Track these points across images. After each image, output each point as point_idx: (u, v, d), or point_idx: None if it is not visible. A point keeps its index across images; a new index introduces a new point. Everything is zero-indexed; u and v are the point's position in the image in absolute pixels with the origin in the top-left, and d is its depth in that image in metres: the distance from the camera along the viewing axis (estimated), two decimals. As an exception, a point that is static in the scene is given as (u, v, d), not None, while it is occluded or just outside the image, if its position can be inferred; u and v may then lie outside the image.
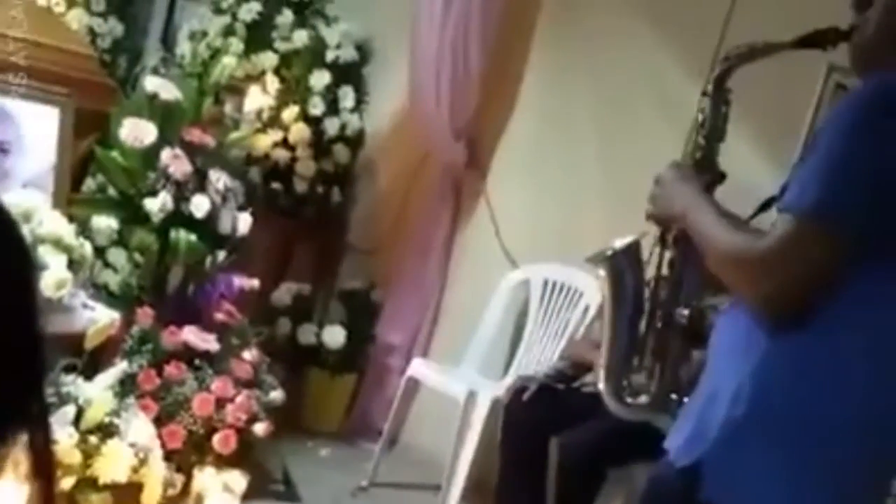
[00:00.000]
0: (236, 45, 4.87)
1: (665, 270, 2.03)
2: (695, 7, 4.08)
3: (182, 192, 3.67)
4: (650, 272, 2.10)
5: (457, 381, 4.26)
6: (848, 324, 1.57)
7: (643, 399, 2.08)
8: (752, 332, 1.64)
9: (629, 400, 2.11)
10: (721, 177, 2.00)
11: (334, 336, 4.78)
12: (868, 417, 1.59)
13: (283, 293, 4.87)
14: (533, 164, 4.74)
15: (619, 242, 2.17)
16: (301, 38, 4.99)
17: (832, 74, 3.70)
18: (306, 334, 4.80)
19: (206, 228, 3.71)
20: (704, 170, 1.99)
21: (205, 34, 4.92)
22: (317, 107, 4.94)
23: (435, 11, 4.71)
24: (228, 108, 4.37)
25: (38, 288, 1.07)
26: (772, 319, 1.61)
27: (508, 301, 4.58)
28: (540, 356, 4.33)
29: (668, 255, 2.02)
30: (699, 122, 2.03)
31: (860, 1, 1.73)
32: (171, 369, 3.50)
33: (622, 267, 2.14)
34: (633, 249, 2.14)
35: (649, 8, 4.31)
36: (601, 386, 2.15)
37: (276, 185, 4.90)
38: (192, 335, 3.61)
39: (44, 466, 1.05)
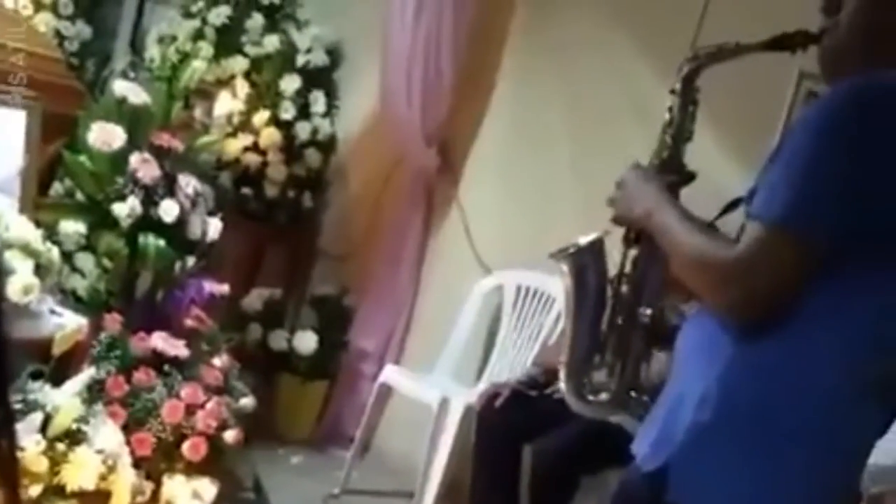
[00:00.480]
0: (206, 49, 4.84)
1: (628, 268, 2.02)
2: (667, 13, 4.09)
3: (151, 197, 3.62)
4: (614, 270, 2.08)
5: (430, 387, 4.24)
6: (815, 329, 1.57)
7: (603, 396, 2.07)
8: (718, 336, 1.64)
9: (590, 397, 2.10)
10: (689, 177, 1.98)
11: (306, 342, 4.75)
12: (834, 421, 1.58)
13: (254, 299, 4.84)
14: (505, 170, 4.74)
15: (584, 239, 2.16)
16: (271, 42, 4.96)
17: (803, 81, 3.72)
18: (277, 340, 4.77)
19: (176, 233, 3.67)
20: (670, 170, 1.97)
21: (174, 38, 4.89)
22: (288, 111, 4.92)
23: (406, 16, 4.70)
24: (198, 112, 4.34)
25: (3, 295, 1.05)
26: (738, 326, 1.61)
27: (481, 307, 4.56)
28: (513, 362, 4.32)
29: (631, 253, 2.01)
30: (666, 122, 2.02)
31: (829, 4, 1.72)
32: (139, 376, 3.45)
33: (585, 263, 2.13)
34: (596, 246, 2.12)
35: (621, 14, 4.31)
36: (562, 384, 2.14)
37: (246, 190, 4.87)
38: (161, 341, 3.56)
39: (9, 474, 1.03)
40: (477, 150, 4.89)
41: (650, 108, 3.83)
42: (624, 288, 2.02)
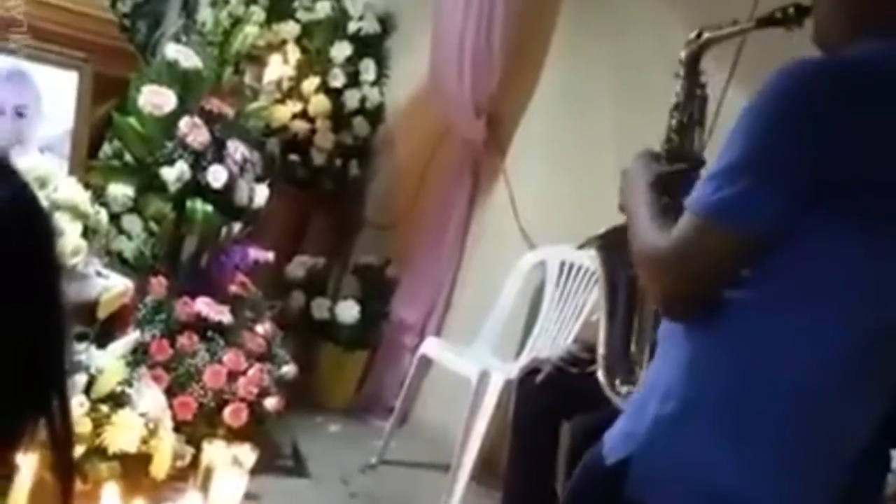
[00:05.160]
0: (258, 13, 4.81)
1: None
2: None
3: (199, 162, 3.65)
4: None
5: (469, 360, 4.23)
6: (776, 315, 1.54)
7: (630, 388, 2.05)
8: (682, 329, 1.63)
9: (622, 389, 2.08)
10: (699, 164, 1.94)
11: (348, 311, 4.75)
12: (806, 409, 1.56)
13: (298, 266, 4.84)
14: (553, 145, 4.69)
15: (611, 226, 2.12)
16: (324, 8, 4.94)
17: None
18: (320, 309, 4.77)
19: (223, 199, 3.69)
20: (678, 157, 1.93)
21: (227, 2, 4.86)
22: (337, 79, 4.90)
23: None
24: (248, 77, 4.32)
25: (59, 259, 1.05)
26: (673, 315, 1.61)
27: (524, 282, 4.53)
28: (555, 338, 4.29)
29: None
30: (672, 107, 1.98)
31: None
32: (183, 340, 3.48)
33: (615, 251, 2.09)
34: (625, 234, 2.09)
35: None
36: (599, 374, 2.12)
37: (293, 157, 4.87)
38: (205, 306, 3.59)
39: (63, 436, 1.03)
40: (525, 124, 4.84)
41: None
42: None
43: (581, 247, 2.16)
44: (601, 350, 2.11)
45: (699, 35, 1.95)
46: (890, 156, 1.51)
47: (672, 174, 1.86)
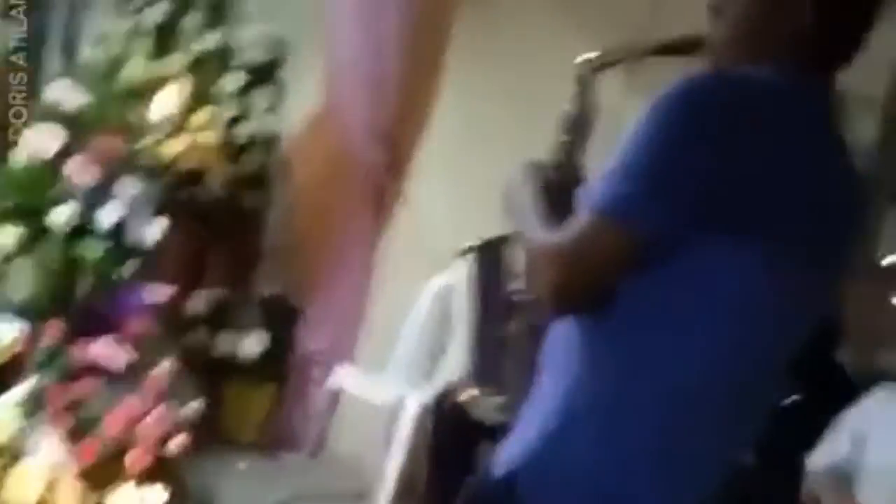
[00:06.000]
0: (144, 48, 4.75)
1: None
2: (617, 2, 4.08)
3: (89, 202, 3.58)
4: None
5: (382, 388, 4.20)
6: (660, 327, 1.56)
7: (501, 401, 2.05)
8: (567, 342, 1.64)
9: (493, 401, 2.08)
10: (582, 180, 1.95)
11: (254, 344, 4.69)
12: (678, 411, 1.57)
13: (199, 301, 4.76)
14: (455, 165, 4.72)
15: (487, 237, 2.12)
16: (211, 40, 4.88)
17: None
18: (224, 343, 4.70)
19: (116, 238, 3.62)
20: (564, 171, 1.95)
21: (110, 38, 4.79)
22: (230, 110, 4.84)
23: (350, 11, 4.65)
24: (137, 113, 4.25)
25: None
26: (561, 308, 1.61)
27: (434, 305, 4.52)
28: (467, 360, 4.29)
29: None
30: (562, 124, 2.01)
31: (717, 5, 1.72)
32: (82, 384, 3.40)
33: (490, 259, 2.10)
34: (497, 247, 2.08)
35: (568, 3, 4.30)
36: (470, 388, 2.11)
37: (188, 191, 4.79)
38: (103, 348, 3.51)
39: None
40: (426, 145, 4.85)
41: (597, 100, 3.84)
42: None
43: (461, 255, 2.16)
44: (470, 361, 2.10)
45: (593, 59, 1.98)
46: (781, 176, 1.53)
47: (558, 186, 1.86)
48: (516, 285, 2.03)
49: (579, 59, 1.99)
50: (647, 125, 1.54)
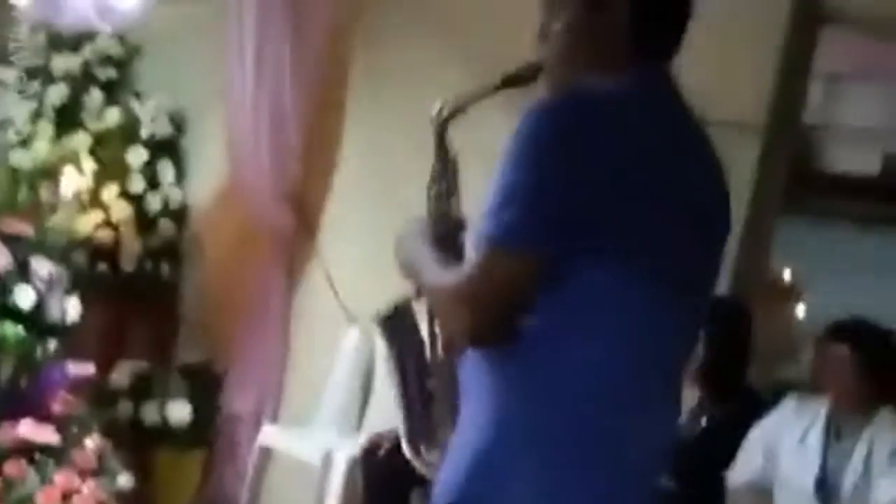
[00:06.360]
0: (47, 129, 4.77)
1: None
2: (498, 44, 4.19)
3: (4, 284, 3.58)
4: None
5: (310, 444, 4.23)
6: (566, 343, 1.61)
7: (436, 454, 2.07)
8: (479, 370, 1.69)
9: (430, 457, 2.10)
10: (462, 226, 2.02)
11: (178, 412, 4.67)
12: (590, 422, 1.62)
13: (122, 374, 4.74)
14: (362, 218, 4.77)
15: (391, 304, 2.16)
16: (113, 116, 4.92)
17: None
18: (150, 413, 4.68)
19: (34, 318, 3.62)
20: (445, 223, 2.00)
21: (12, 122, 4.80)
22: (136, 184, 4.87)
23: (246, 80, 4.73)
24: (45, 193, 4.27)
25: None
26: (478, 343, 1.66)
27: (354, 357, 4.57)
28: (392, 409, 4.33)
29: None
30: (430, 180, 2.06)
31: (544, 32, 1.81)
32: (10, 467, 3.38)
33: (397, 323, 2.13)
34: (403, 308, 2.13)
35: (451, 47, 4.39)
36: (404, 447, 2.14)
37: (102, 266, 4.80)
38: (29, 429, 3.50)
39: None
40: (332, 202, 4.92)
41: (491, 141, 3.94)
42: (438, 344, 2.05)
43: (375, 323, 2.19)
44: (402, 425, 2.13)
45: (442, 109, 2.03)
46: (647, 178, 1.61)
47: (444, 235, 1.93)
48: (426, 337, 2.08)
49: (432, 112, 2.05)
50: (514, 152, 1.61)
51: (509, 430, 1.63)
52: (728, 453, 3.39)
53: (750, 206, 4.17)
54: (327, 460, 4.06)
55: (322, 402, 4.55)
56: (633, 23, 1.71)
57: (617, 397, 1.63)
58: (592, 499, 1.63)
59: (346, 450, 4.06)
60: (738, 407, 3.54)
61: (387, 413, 4.28)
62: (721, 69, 4.08)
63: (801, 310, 7.07)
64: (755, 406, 3.53)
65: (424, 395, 2.09)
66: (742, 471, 3.38)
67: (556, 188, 1.57)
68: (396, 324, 2.12)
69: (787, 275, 6.93)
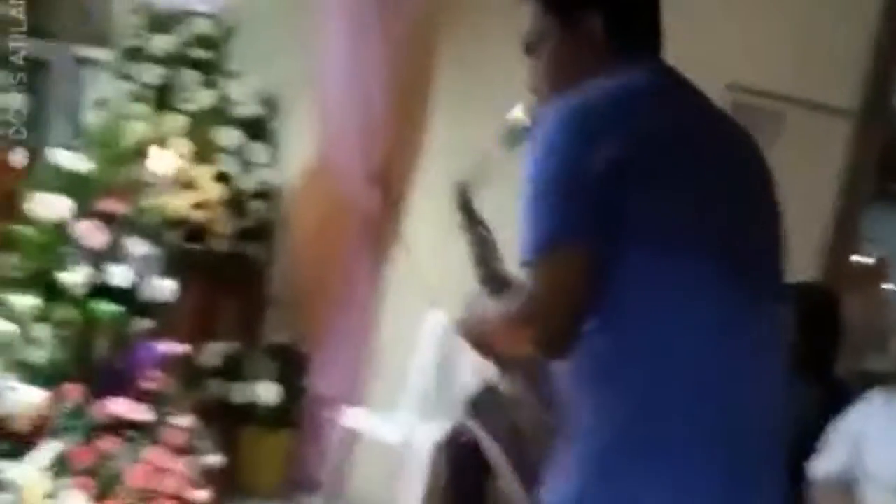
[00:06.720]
0: (143, 109, 4.84)
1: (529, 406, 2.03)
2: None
3: (101, 263, 3.64)
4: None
5: (394, 427, 4.25)
6: (619, 328, 1.61)
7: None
8: (571, 382, 1.69)
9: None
10: (510, 283, 1.98)
11: (267, 392, 4.74)
12: (693, 405, 1.61)
13: (212, 354, 4.82)
14: (447, 203, 4.76)
15: (473, 391, 2.15)
16: (206, 97, 4.98)
17: (732, 94, 3.81)
18: (238, 393, 4.76)
19: (129, 297, 3.69)
20: (496, 284, 2.00)
21: (110, 101, 4.88)
22: (229, 165, 4.93)
23: (338, 61, 4.75)
24: (140, 173, 4.33)
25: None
26: (554, 354, 1.66)
27: (437, 341, 4.59)
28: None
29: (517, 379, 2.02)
30: (469, 250, 2.07)
31: (528, 47, 1.88)
32: (104, 443, 3.45)
33: (486, 410, 2.11)
34: (490, 390, 2.11)
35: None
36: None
37: (195, 247, 4.87)
38: (122, 406, 3.56)
39: None
40: (419, 185, 4.92)
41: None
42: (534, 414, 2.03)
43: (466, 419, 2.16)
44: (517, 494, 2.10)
45: (460, 185, 2.08)
46: (649, 161, 1.62)
47: (500, 294, 1.90)
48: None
49: (454, 183, 2.09)
50: (530, 167, 1.65)
51: (608, 433, 1.62)
52: (812, 445, 3.34)
53: (840, 193, 4.09)
54: (410, 444, 4.08)
55: (407, 385, 4.58)
56: (608, 26, 1.78)
57: (702, 384, 1.61)
58: (705, 489, 1.61)
59: (429, 433, 4.07)
60: (826, 397, 3.48)
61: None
62: (812, 53, 4.01)
63: (891, 298, 6.92)
64: (843, 396, 3.46)
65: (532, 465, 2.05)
66: (826, 463, 3.32)
67: (572, 179, 1.60)
68: (484, 407, 2.10)
69: (876, 261, 6.79)
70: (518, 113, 1.91)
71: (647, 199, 1.60)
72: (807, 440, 3.34)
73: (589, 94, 1.68)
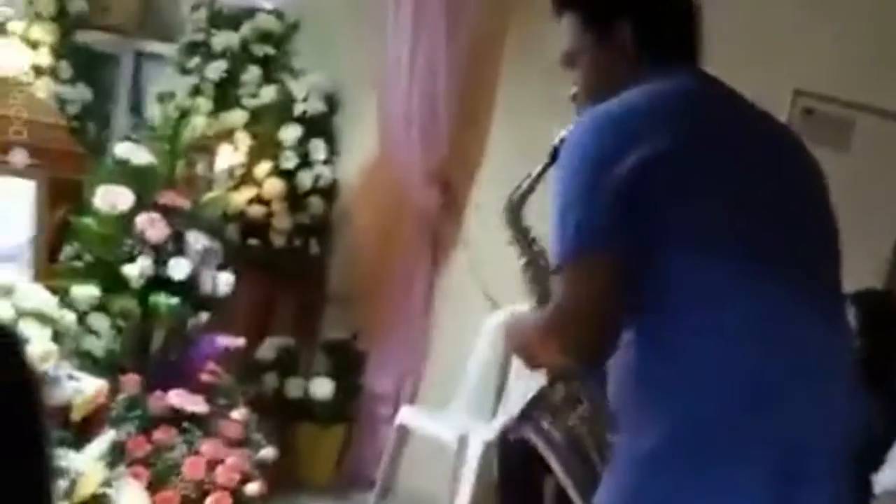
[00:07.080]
0: (205, 104, 4.88)
1: (582, 408, 2.01)
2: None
3: (160, 256, 3.67)
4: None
5: (447, 425, 4.25)
6: (677, 329, 1.61)
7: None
8: (617, 376, 1.71)
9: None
10: None
11: (321, 388, 4.76)
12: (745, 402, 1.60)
13: (268, 348, 4.85)
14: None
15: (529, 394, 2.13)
16: (268, 93, 5.00)
17: (798, 99, 3.75)
18: (293, 388, 4.78)
19: (187, 290, 3.71)
20: (542, 291, 1.98)
21: (172, 95, 4.93)
22: (289, 160, 4.95)
23: (401, 59, 4.75)
24: (201, 168, 4.37)
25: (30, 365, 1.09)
26: (592, 360, 1.69)
27: (493, 342, 4.57)
28: (526, 395, 4.31)
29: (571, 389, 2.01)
30: (523, 264, 2.06)
31: (566, 62, 1.94)
32: (159, 434, 3.47)
33: (542, 422, 2.09)
34: (543, 398, 2.09)
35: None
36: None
37: (253, 242, 4.90)
38: (178, 398, 3.59)
39: None
40: (478, 185, 4.91)
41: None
42: (589, 426, 2.01)
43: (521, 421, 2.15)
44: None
45: (510, 202, 2.08)
46: (680, 160, 1.64)
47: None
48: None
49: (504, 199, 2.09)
50: (557, 178, 1.68)
51: (659, 434, 1.62)
52: (877, 457, 3.28)
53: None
54: (463, 442, 4.08)
55: (461, 385, 4.57)
56: (637, 36, 1.82)
57: (752, 385, 1.60)
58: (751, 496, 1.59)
59: (483, 433, 4.07)
60: (890, 407, 3.42)
61: (522, 397, 4.29)
62: (883, 59, 3.94)
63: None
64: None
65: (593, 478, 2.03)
66: (891, 476, 3.27)
67: (601, 185, 1.60)
68: (538, 417, 2.08)
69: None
70: (566, 133, 1.89)
71: (680, 203, 1.61)
72: (872, 452, 3.28)
73: (617, 102, 1.72)
